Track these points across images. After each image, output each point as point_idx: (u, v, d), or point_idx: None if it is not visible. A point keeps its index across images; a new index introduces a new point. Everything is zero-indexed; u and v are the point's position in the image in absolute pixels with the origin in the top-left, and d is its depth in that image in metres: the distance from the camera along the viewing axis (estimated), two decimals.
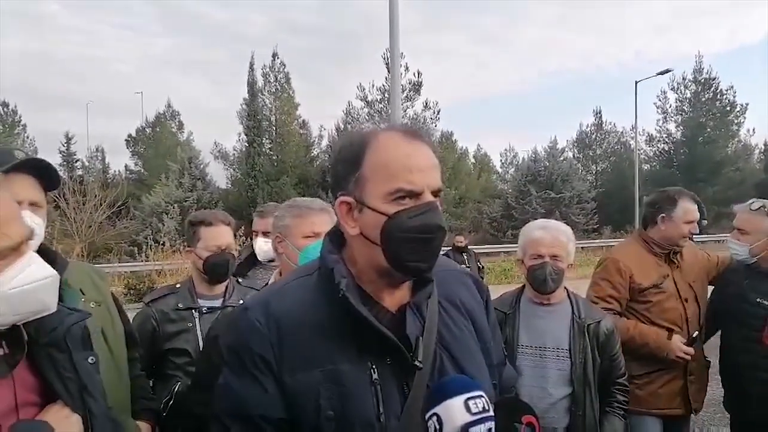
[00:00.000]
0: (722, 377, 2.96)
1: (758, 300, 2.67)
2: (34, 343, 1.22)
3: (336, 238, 1.19)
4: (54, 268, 1.67)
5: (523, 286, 2.45)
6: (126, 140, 35.76)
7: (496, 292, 2.57)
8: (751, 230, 2.73)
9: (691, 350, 2.70)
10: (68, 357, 1.25)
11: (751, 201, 2.85)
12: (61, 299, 1.67)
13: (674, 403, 2.79)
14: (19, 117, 34.10)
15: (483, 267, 9.88)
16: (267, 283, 2.33)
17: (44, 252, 1.71)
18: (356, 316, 1.07)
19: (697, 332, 2.77)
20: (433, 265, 1.13)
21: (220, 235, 2.47)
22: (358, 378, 1.08)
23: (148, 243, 16.44)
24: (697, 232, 2.85)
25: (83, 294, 1.80)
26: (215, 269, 2.45)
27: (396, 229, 1.06)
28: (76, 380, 1.25)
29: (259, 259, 3.13)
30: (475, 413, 1.03)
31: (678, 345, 2.69)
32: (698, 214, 2.87)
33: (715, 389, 3.14)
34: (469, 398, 1.04)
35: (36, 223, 1.58)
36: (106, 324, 1.86)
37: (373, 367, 1.09)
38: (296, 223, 1.94)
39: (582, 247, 16.94)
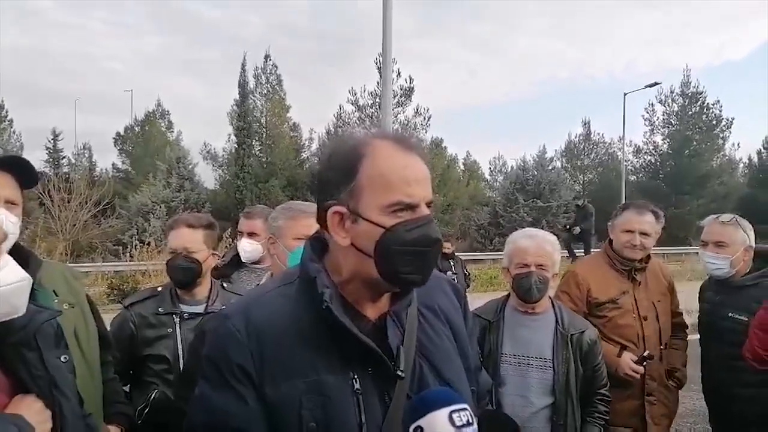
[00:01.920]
0: (704, 394, 2.95)
1: (730, 314, 2.66)
2: (2, 342, 1.20)
3: (317, 245, 1.18)
4: (28, 268, 1.66)
5: (508, 295, 2.45)
6: (114, 138, 35.45)
7: (482, 299, 2.60)
8: (729, 242, 2.71)
9: (640, 369, 2.64)
10: (38, 355, 1.24)
11: (716, 216, 2.82)
12: (33, 299, 1.66)
13: (631, 422, 2.76)
14: (6, 112, 33.66)
15: (469, 274, 9.89)
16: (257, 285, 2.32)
17: (18, 251, 1.68)
18: (339, 327, 1.06)
19: (647, 351, 2.67)
20: (429, 277, 1.12)
21: (177, 237, 2.41)
22: (340, 388, 1.07)
23: (133, 243, 16.28)
24: (636, 243, 2.78)
25: (56, 295, 1.77)
26: (170, 273, 2.40)
27: (393, 241, 1.05)
28: (47, 378, 1.23)
29: (243, 260, 3.10)
30: (459, 426, 1.03)
31: (626, 362, 2.64)
32: (643, 225, 2.80)
33: (696, 400, 3.17)
34: (453, 411, 1.04)
35: (11, 221, 1.57)
36: (79, 325, 1.83)
37: (355, 376, 1.08)
38: (289, 224, 1.97)
39: (568, 256, 17.04)
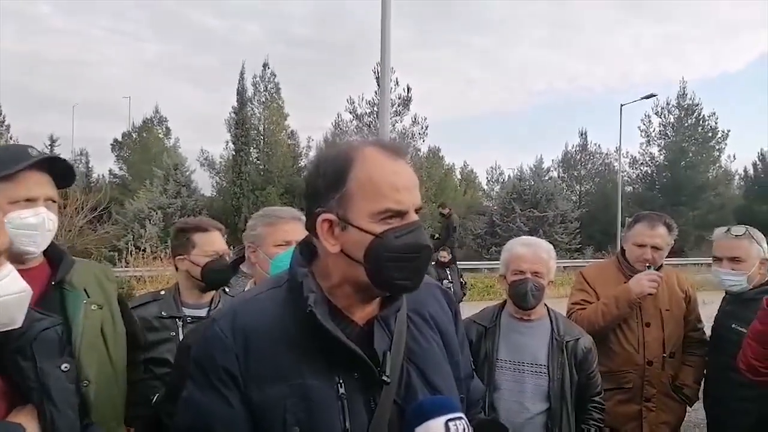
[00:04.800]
0: (704, 406, 2.90)
1: (733, 326, 2.60)
2: (2, 348, 1.19)
3: (306, 249, 1.18)
4: (60, 267, 1.68)
5: (505, 302, 2.47)
6: (111, 144, 35.43)
7: (478, 308, 2.61)
8: (745, 257, 2.62)
9: (656, 273, 2.69)
10: (32, 365, 1.22)
11: (726, 228, 2.73)
12: (63, 299, 1.67)
13: (628, 426, 2.77)
14: (3, 117, 33.60)
15: (466, 283, 9.90)
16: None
17: (53, 249, 1.74)
18: (323, 331, 1.06)
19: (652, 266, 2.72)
20: (419, 283, 1.12)
21: (216, 241, 2.45)
22: (324, 392, 1.07)
23: (129, 249, 16.21)
24: (648, 257, 2.79)
25: (87, 295, 1.77)
26: (215, 275, 2.41)
27: (383, 248, 1.06)
28: (38, 389, 1.21)
29: None
30: None
31: (637, 280, 2.69)
32: (654, 239, 2.80)
33: (692, 412, 3.15)
34: (449, 419, 1.04)
35: (50, 218, 1.63)
36: (106, 326, 1.83)
37: (340, 381, 1.08)
38: (268, 231, 1.96)
39: (564, 267, 17.05)
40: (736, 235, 2.65)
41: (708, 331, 2.95)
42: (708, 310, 3.04)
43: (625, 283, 2.81)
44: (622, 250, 2.99)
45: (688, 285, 3.02)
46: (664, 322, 2.83)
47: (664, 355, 2.83)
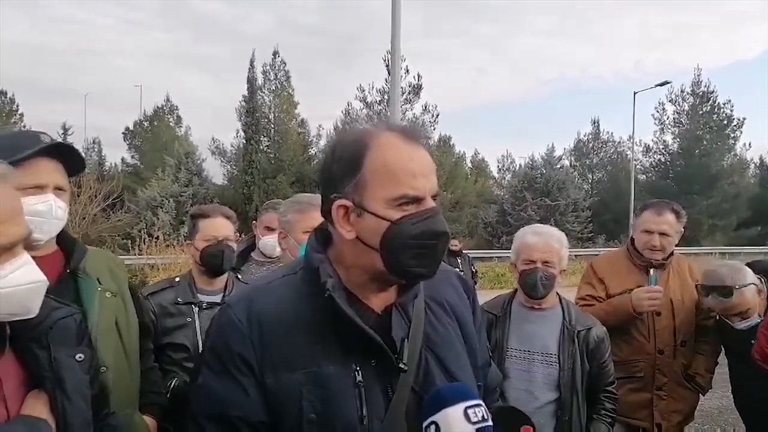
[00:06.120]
0: (739, 412, 2.82)
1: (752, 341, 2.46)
2: (17, 337, 1.20)
3: (321, 236, 1.17)
4: (73, 255, 1.70)
5: (516, 290, 2.46)
6: (123, 133, 35.62)
7: (489, 297, 2.61)
8: (750, 306, 2.55)
9: (657, 289, 2.65)
10: (47, 354, 1.22)
11: (712, 288, 2.58)
12: (77, 287, 1.69)
13: (639, 414, 2.77)
14: (17, 106, 33.91)
15: (477, 271, 9.88)
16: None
17: (65, 237, 1.74)
18: (342, 317, 1.05)
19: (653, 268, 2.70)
20: (436, 271, 1.11)
21: (217, 227, 2.47)
22: (341, 380, 1.06)
23: (141, 236, 16.35)
24: (656, 244, 2.76)
25: (100, 283, 1.78)
26: (210, 260, 2.43)
27: (400, 235, 1.04)
28: (52, 379, 1.21)
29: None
30: (475, 422, 1.02)
31: (637, 294, 2.67)
32: (661, 225, 2.79)
33: (703, 400, 3.13)
34: (468, 407, 1.03)
35: (59, 206, 1.62)
36: (120, 315, 1.84)
37: (357, 368, 1.07)
38: (298, 218, 2.00)
39: (576, 255, 16.95)
40: (726, 297, 2.56)
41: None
42: None
43: (636, 270, 2.82)
44: (632, 240, 2.98)
45: (699, 274, 2.98)
46: (675, 311, 2.82)
47: (675, 344, 2.82)
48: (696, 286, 2.82)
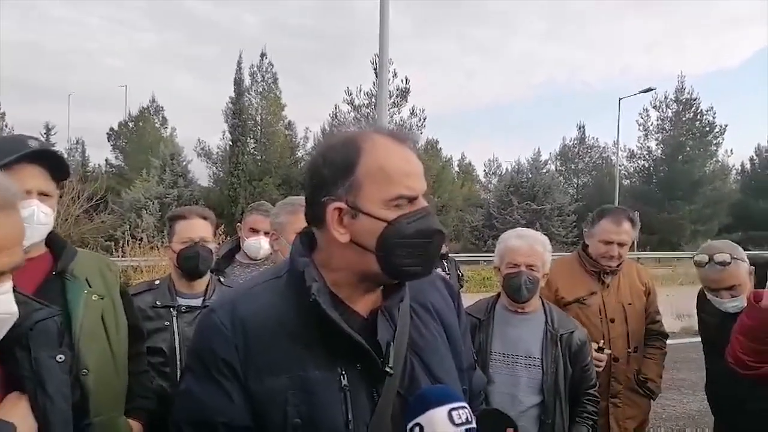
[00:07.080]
0: (711, 407, 2.83)
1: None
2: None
3: (307, 239, 1.17)
4: (63, 256, 1.74)
5: (499, 294, 2.47)
6: (108, 134, 35.23)
7: (474, 300, 2.61)
8: (742, 281, 2.54)
9: (602, 356, 2.61)
10: (27, 354, 1.21)
11: (706, 258, 2.55)
12: (64, 289, 1.70)
13: (598, 421, 2.71)
14: None
15: (463, 275, 9.90)
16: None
17: (55, 240, 1.75)
18: (327, 321, 1.05)
19: (602, 342, 2.65)
20: (431, 269, 1.12)
21: (194, 228, 2.43)
22: (327, 384, 1.05)
23: (125, 238, 16.19)
24: (614, 254, 2.76)
25: (90, 285, 1.77)
26: (186, 262, 2.40)
27: (396, 235, 1.04)
28: (32, 379, 1.20)
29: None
30: (459, 424, 1.02)
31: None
32: (621, 235, 2.78)
33: (685, 403, 3.16)
34: (452, 409, 1.04)
35: (43, 212, 1.63)
36: (108, 317, 1.82)
37: (343, 372, 1.07)
38: (290, 219, 2.01)
39: None
40: (723, 265, 2.53)
41: (681, 323, 2.94)
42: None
43: (588, 277, 2.84)
44: (584, 246, 2.96)
45: (647, 277, 3.04)
46: (627, 317, 2.83)
47: (629, 350, 2.84)
48: (693, 260, 2.68)
